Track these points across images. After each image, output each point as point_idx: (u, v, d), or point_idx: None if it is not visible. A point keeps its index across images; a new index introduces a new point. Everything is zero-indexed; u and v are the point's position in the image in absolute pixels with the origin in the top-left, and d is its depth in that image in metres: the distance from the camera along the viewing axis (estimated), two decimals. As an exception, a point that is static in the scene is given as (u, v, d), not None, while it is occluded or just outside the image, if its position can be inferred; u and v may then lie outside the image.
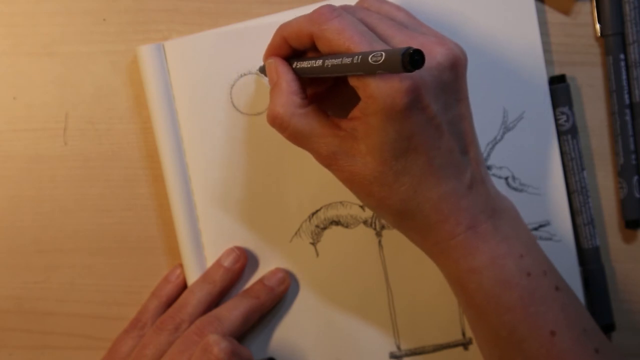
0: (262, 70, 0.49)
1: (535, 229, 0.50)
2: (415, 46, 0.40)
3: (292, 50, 0.45)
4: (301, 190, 0.51)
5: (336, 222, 0.51)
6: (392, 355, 0.51)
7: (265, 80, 0.50)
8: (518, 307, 0.42)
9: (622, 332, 0.51)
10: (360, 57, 0.38)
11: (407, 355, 0.51)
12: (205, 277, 0.51)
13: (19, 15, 0.52)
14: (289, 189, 0.51)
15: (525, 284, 0.42)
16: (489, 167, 0.50)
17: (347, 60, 0.39)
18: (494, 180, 0.49)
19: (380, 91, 0.39)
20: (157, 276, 0.53)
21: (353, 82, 0.40)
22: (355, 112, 0.42)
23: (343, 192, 0.49)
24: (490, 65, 0.50)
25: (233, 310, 0.49)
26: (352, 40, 0.40)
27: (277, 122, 0.43)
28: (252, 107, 0.51)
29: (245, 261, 0.51)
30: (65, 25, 0.52)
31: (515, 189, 0.50)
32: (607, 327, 0.51)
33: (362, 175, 0.42)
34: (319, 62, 0.41)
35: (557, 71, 0.51)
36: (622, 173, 0.51)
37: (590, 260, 0.51)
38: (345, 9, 0.43)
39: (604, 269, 0.51)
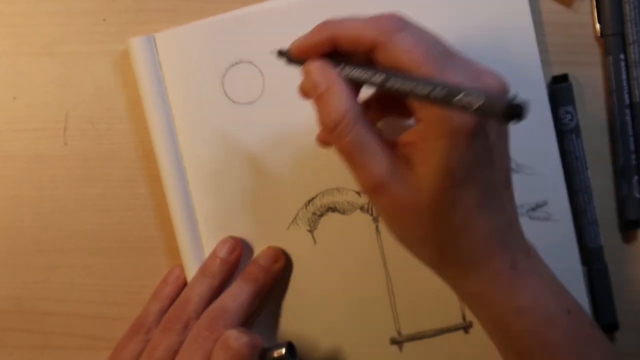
0: (283, 54, 0.43)
1: (533, 209, 0.50)
2: (471, 75, 0.37)
3: (333, 50, 0.40)
4: (296, 177, 0.50)
5: (332, 209, 0.51)
6: (392, 340, 0.51)
7: (259, 67, 0.48)
8: (564, 347, 0.40)
9: (623, 333, 0.51)
10: (444, 91, 0.34)
11: (407, 340, 0.51)
12: (204, 270, 0.50)
13: (19, 15, 0.52)
14: (284, 177, 0.50)
15: (567, 322, 0.40)
16: None
17: (423, 91, 0.35)
18: None
19: (448, 115, 0.36)
20: (157, 276, 0.52)
21: (413, 103, 0.38)
22: (409, 136, 0.39)
23: (339, 179, 0.49)
24: (480, 47, 0.49)
25: (237, 299, 0.48)
26: (422, 61, 0.36)
27: (340, 128, 0.39)
28: (244, 96, 0.50)
29: (241, 250, 0.50)
30: (65, 25, 0.52)
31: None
32: (611, 327, 0.50)
33: (413, 204, 0.38)
34: (380, 78, 0.38)
35: (557, 71, 0.50)
36: (622, 173, 0.50)
37: (594, 260, 0.50)
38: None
39: (607, 268, 0.50)
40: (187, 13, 0.51)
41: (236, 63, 0.50)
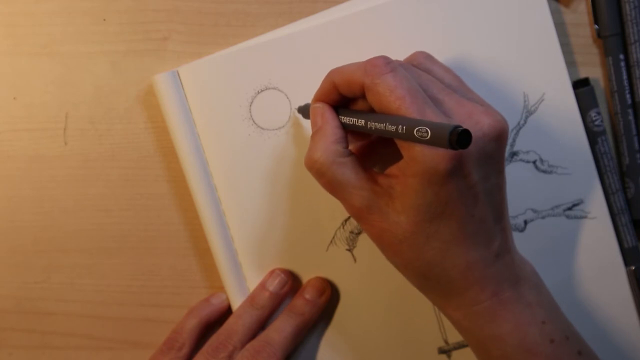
0: (302, 110, 0.47)
1: (569, 208, 0.48)
2: (463, 114, 0.39)
3: (341, 96, 0.42)
4: (331, 197, 0.48)
5: None
6: (440, 350, 0.49)
7: (303, 121, 0.48)
8: None
9: None
10: (404, 128, 0.36)
11: (455, 348, 0.49)
12: (252, 302, 0.49)
13: (19, 15, 0.50)
14: (319, 198, 0.49)
15: (548, 350, 0.40)
16: (515, 154, 0.48)
17: (391, 128, 0.37)
18: (522, 165, 0.48)
19: (424, 155, 0.37)
20: (157, 276, 0.51)
21: (397, 141, 0.39)
22: (394, 169, 0.40)
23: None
24: (505, 51, 0.47)
25: (281, 332, 0.47)
26: (404, 101, 0.37)
27: (315, 168, 0.41)
28: (273, 122, 0.49)
29: (291, 284, 0.49)
30: (65, 25, 0.50)
31: (544, 172, 0.48)
32: None
33: (393, 233, 0.40)
34: (362, 122, 0.40)
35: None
36: (628, 173, 0.48)
37: (634, 259, 0.48)
38: (398, 64, 0.40)
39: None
40: (186, 13, 0.50)
41: (262, 90, 0.49)
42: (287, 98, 0.48)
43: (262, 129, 0.49)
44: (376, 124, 0.38)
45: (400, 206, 0.39)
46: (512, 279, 0.41)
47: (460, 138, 0.34)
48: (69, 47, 0.50)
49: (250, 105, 0.49)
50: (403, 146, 0.38)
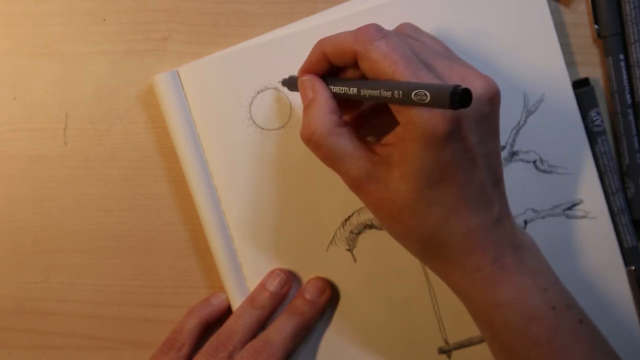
0: (287, 82, 0.46)
1: (569, 208, 0.48)
2: (456, 77, 0.39)
3: (330, 66, 0.42)
4: (331, 198, 0.49)
5: (370, 226, 0.49)
6: (440, 350, 0.49)
7: (285, 93, 0.48)
8: (544, 342, 0.40)
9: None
10: (401, 92, 0.36)
11: (455, 348, 0.49)
12: (252, 301, 0.49)
13: (19, 15, 0.50)
14: (319, 198, 0.49)
15: (550, 317, 0.40)
16: (515, 153, 0.48)
17: (387, 94, 0.37)
18: (522, 165, 0.48)
19: (421, 118, 0.37)
20: (157, 276, 0.51)
21: (393, 106, 0.39)
22: (391, 137, 0.40)
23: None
24: (505, 51, 0.47)
25: (281, 332, 0.47)
26: (397, 65, 0.37)
27: (313, 140, 0.40)
28: (272, 122, 0.49)
29: (291, 284, 0.49)
30: (65, 25, 0.50)
31: (544, 172, 0.48)
32: None
33: (392, 201, 0.39)
34: (354, 90, 0.39)
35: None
36: (628, 173, 0.48)
37: (635, 259, 0.48)
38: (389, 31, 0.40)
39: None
40: (186, 13, 0.49)
41: (262, 90, 0.49)
42: (288, 97, 0.48)
43: (262, 129, 0.49)
44: (370, 90, 0.38)
45: (399, 174, 0.39)
46: (513, 246, 0.41)
47: (461, 97, 0.33)
48: (69, 47, 0.50)
49: (250, 105, 0.49)
50: (399, 111, 0.38)
